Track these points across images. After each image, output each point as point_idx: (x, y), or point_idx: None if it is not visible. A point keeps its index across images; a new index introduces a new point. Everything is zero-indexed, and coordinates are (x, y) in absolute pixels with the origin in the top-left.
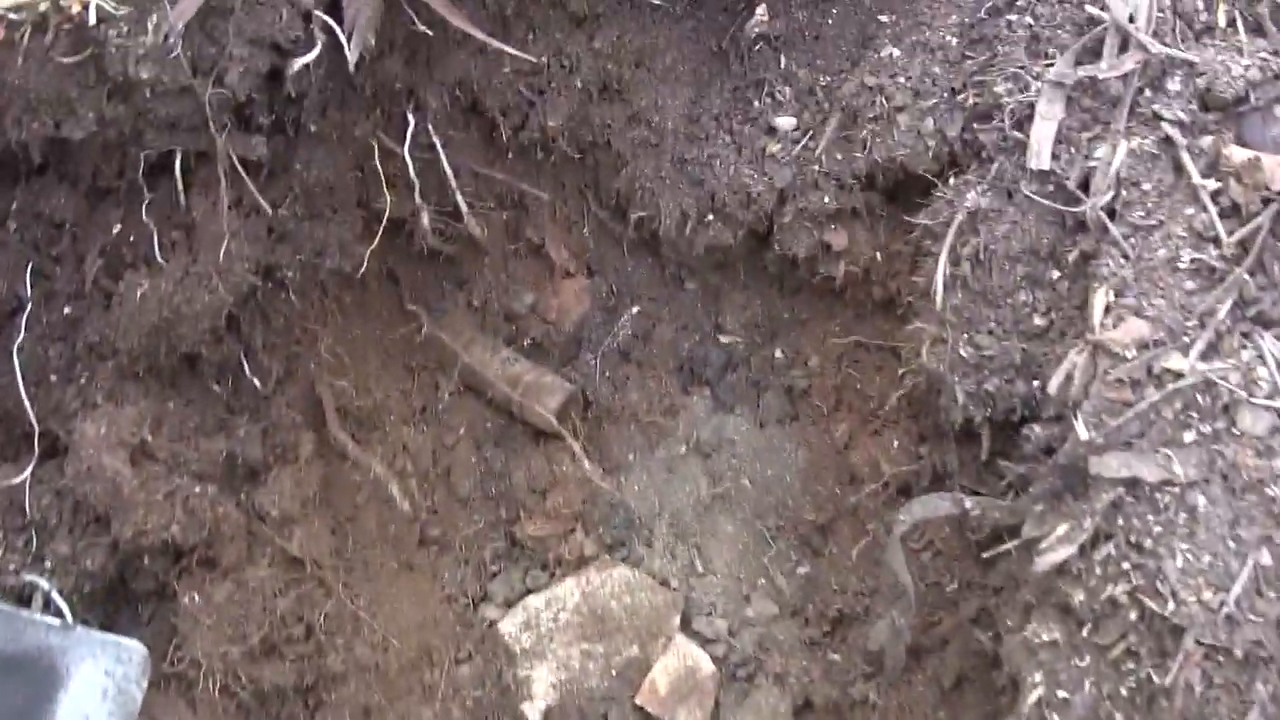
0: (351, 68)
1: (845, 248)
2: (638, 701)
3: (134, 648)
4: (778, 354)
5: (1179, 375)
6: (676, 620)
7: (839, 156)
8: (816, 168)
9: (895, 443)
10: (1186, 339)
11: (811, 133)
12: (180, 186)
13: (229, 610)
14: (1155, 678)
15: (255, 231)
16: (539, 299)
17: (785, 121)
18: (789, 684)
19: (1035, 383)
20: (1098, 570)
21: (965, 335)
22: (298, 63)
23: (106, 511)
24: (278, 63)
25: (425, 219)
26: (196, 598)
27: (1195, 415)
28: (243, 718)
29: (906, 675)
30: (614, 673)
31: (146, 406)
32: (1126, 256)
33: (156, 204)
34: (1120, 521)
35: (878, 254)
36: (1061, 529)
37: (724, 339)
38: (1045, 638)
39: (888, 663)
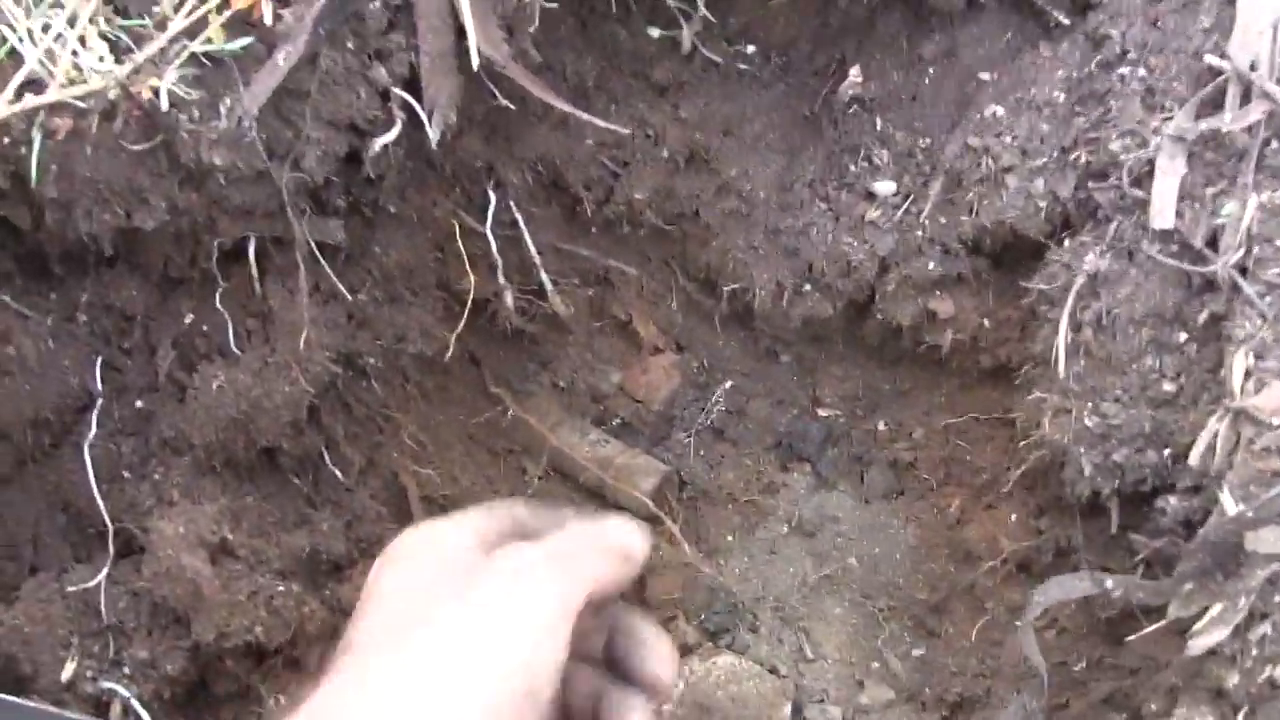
0: (434, 145)
1: (952, 315)
2: None
3: None
4: (880, 427)
5: None
6: (788, 709)
7: (943, 221)
8: (920, 233)
9: (1013, 517)
10: None
11: (913, 197)
12: (256, 274)
13: None
14: None
15: (334, 319)
16: (627, 377)
17: (884, 186)
18: None
19: (1166, 451)
20: (1254, 651)
21: (1089, 404)
22: (377, 143)
23: (186, 613)
24: (356, 144)
25: (509, 298)
26: (282, 700)
27: None
28: None
29: None
30: None
31: (225, 503)
32: (1264, 317)
33: (231, 293)
34: (1277, 599)
35: (985, 321)
36: (1215, 609)
37: (822, 413)
38: None
39: None
